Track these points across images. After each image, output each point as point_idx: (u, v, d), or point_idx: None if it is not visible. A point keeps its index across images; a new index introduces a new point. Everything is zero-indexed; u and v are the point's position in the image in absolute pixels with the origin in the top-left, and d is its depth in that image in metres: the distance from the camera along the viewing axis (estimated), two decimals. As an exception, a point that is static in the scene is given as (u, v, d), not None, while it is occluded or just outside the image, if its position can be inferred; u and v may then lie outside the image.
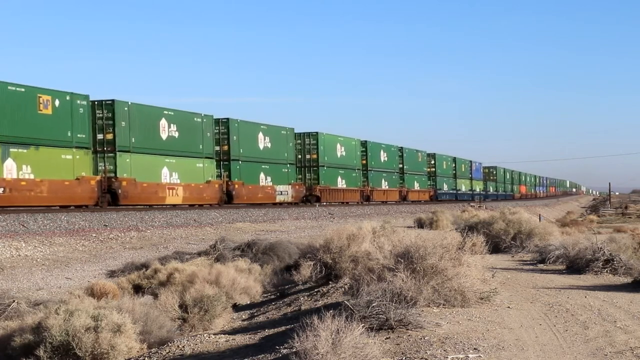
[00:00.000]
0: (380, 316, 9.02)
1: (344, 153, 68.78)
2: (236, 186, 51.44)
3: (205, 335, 11.78)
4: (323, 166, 64.20)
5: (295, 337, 7.60)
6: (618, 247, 16.19)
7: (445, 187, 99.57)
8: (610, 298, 11.81)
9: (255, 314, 14.90)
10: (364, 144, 74.23)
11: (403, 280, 10.02)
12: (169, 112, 45.99)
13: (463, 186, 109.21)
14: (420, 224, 41.53)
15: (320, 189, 63.48)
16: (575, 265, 16.02)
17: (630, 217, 62.79)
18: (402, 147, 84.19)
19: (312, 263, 14.61)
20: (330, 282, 14.33)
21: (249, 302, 16.81)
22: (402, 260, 10.71)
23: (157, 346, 11.87)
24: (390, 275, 10.36)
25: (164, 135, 45.01)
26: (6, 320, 14.09)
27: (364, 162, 73.64)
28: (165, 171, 44.72)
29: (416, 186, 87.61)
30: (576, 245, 16.77)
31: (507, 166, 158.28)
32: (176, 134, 45.82)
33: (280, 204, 56.40)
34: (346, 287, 12.92)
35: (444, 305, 10.37)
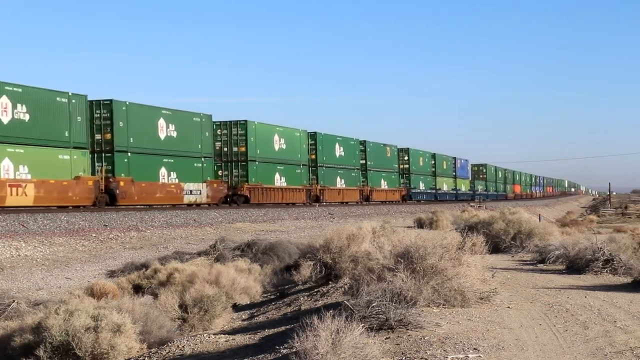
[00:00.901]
0: (380, 316, 9.01)
1: (283, 146, 59.35)
2: (121, 183, 41.93)
3: (205, 335, 11.78)
4: (254, 161, 54.67)
5: (295, 337, 7.60)
6: (618, 247, 16.19)
7: (422, 186, 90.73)
8: (610, 298, 11.81)
9: (255, 314, 14.90)
10: (312, 135, 65.05)
11: (403, 280, 10.02)
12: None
13: (445, 185, 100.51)
14: (420, 224, 41.54)
15: (249, 187, 53.76)
16: (575, 265, 16.02)
17: (630, 217, 62.81)
18: (364, 141, 74.68)
19: (312, 263, 14.61)
20: (330, 282, 14.33)
21: (248, 302, 16.81)
22: (402, 260, 10.71)
23: (157, 346, 11.87)
24: (390, 275, 10.36)
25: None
26: (6, 320, 14.09)
27: (313, 156, 64.55)
28: (6, 163, 35.25)
29: (383, 185, 78.18)
30: (576, 245, 16.76)
31: (507, 166, 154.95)
32: (26, 117, 36.47)
33: (190, 205, 47.43)
34: (346, 287, 12.92)
35: (443, 305, 10.37)
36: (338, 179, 68.27)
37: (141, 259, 24.92)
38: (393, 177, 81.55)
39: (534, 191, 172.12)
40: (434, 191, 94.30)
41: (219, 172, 53.28)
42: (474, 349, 8.08)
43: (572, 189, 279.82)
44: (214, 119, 52.22)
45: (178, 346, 11.28)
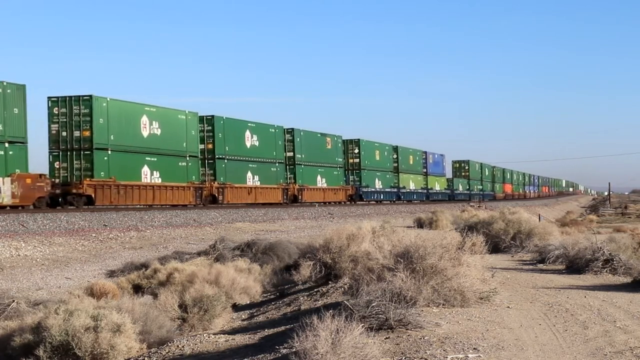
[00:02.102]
0: (380, 316, 9.01)
1: (157, 131, 46.07)
2: None
3: (204, 335, 11.78)
4: (104, 149, 41.84)
5: (295, 337, 7.60)
6: (618, 247, 16.19)
7: (379, 184, 77.57)
8: (609, 298, 11.81)
9: (255, 313, 14.90)
10: (209, 120, 50.56)
11: (403, 280, 10.01)
12: None
13: (412, 183, 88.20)
14: (420, 224, 41.55)
15: (94, 184, 40.85)
16: (575, 265, 16.02)
17: (630, 217, 62.81)
18: (292, 129, 61.42)
19: (312, 263, 14.61)
20: (329, 282, 14.33)
21: (248, 302, 16.81)
22: (402, 260, 10.71)
23: (157, 346, 11.87)
24: (389, 275, 10.36)
25: None
26: (6, 320, 14.08)
27: (210, 146, 51.08)
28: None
29: (320, 182, 65.27)
30: (576, 245, 16.77)
31: (507, 166, 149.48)
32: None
33: None
34: (346, 287, 12.92)
35: (443, 305, 10.37)
36: (249, 174, 54.86)
37: (141, 259, 24.91)
38: (335, 173, 68.53)
39: (527, 191, 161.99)
40: (395, 190, 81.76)
41: (61, 164, 41.13)
42: (474, 349, 8.08)
43: (571, 189, 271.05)
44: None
45: (178, 346, 11.28)
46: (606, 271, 15.29)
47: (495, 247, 21.67)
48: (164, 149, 46.26)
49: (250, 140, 54.64)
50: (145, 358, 11.30)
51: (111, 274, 23.26)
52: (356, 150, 74.15)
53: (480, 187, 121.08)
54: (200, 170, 50.35)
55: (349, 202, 69.66)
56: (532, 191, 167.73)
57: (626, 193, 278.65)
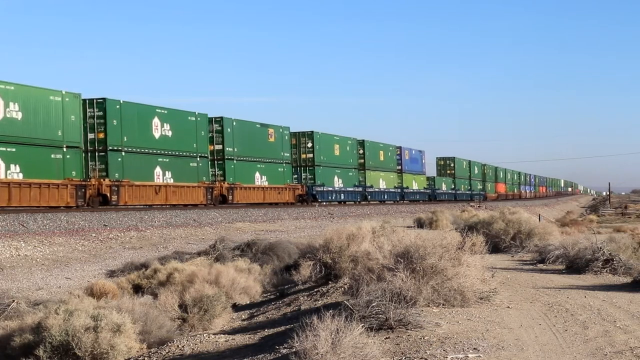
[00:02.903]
0: (380, 316, 9.02)
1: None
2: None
3: (204, 335, 11.79)
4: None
5: (295, 337, 7.60)
6: (618, 247, 16.20)
7: (339, 183, 67.54)
8: (609, 298, 11.81)
9: (255, 313, 14.90)
10: (112, 105, 41.87)
11: (403, 280, 10.02)
12: None
13: (382, 182, 77.50)
14: (420, 224, 41.56)
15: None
16: (575, 265, 16.03)
17: (630, 217, 62.84)
18: (221, 117, 51.59)
19: (312, 263, 14.62)
20: (329, 282, 14.33)
21: (248, 302, 16.81)
22: (402, 260, 10.71)
23: (157, 346, 11.87)
24: (389, 275, 10.36)
25: None
26: (6, 320, 14.09)
27: (102, 135, 41.62)
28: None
29: (260, 180, 54.75)
30: (576, 245, 16.78)
31: (506, 166, 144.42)
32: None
33: None
34: (346, 287, 12.93)
35: (443, 305, 10.37)
36: (159, 170, 44.90)
37: (141, 259, 24.92)
38: (281, 169, 58.19)
39: (523, 191, 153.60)
40: (360, 189, 71.72)
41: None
42: (474, 349, 8.08)
43: (569, 189, 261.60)
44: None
45: (178, 346, 11.28)
46: (606, 271, 15.30)
47: (495, 247, 21.68)
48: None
49: (160, 130, 45.60)
50: (145, 358, 11.31)
51: (111, 274, 23.27)
52: (309, 144, 63.68)
53: (469, 186, 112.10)
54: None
55: (299, 204, 59.24)
56: (528, 191, 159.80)
57: (623, 193, 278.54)
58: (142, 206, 42.79)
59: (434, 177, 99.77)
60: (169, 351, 11.17)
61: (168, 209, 42.81)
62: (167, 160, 45.70)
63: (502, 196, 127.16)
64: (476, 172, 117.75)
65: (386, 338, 8.61)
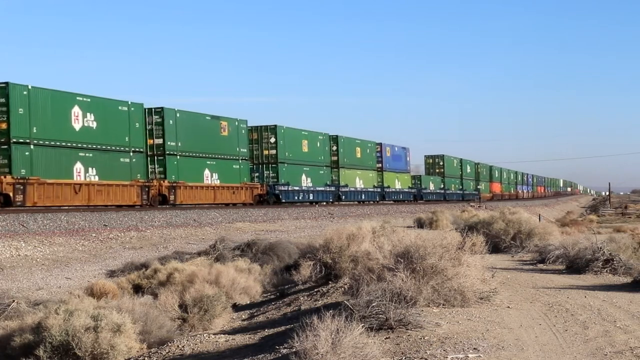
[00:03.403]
0: (380, 316, 9.02)
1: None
2: None
3: (205, 335, 11.79)
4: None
5: (295, 337, 7.60)
6: (618, 247, 16.21)
7: (306, 182, 61.57)
8: (610, 298, 11.81)
9: (255, 313, 14.91)
10: (18, 91, 35.79)
11: (403, 280, 10.02)
12: None
13: (359, 181, 71.92)
14: (420, 224, 41.57)
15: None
16: (575, 265, 16.03)
17: (630, 217, 62.85)
18: (162, 108, 45.70)
19: (312, 263, 14.63)
20: (330, 282, 14.34)
21: (248, 302, 16.82)
22: (402, 260, 10.71)
23: (157, 346, 11.88)
24: (390, 275, 10.36)
25: None
26: (6, 320, 14.10)
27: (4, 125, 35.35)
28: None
29: (210, 178, 49.06)
30: (576, 245, 16.78)
31: (506, 166, 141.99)
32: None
33: None
34: (346, 287, 12.93)
35: (443, 305, 10.37)
36: (79, 166, 39.77)
37: (141, 259, 24.93)
38: (236, 167, 52.43)
39: (520, 191, 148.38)
40: (333, 189, 66.02)
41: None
42: (474, 349, 8.08)
43: (569, 189, 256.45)
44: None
45: (178, 346, 11.29)
46: (606, 271, 15.30)
47: (495, 247, 21.69)
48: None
49: (82, 120, 39.87)
50: (146, 358, 11.31)
51: (111, 274, 23.28)
52: (272, 139, 57.48)
53: (460, 186, 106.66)
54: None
55: (261, 204, 53.73)
56: (525, 191, 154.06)
57: (621, 193, 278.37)
58: (55, 207, 37.24)
59: (420, 175, 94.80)
60: (169, 351, 11.17)
61: (168, 209, 42.82)
62: (91, 155, 40.10)
63: (497, 196, 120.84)
64: (469, 170, 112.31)
65: (386, 338, 8.62)
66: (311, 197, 62.44)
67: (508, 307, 10.86)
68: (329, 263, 14.47)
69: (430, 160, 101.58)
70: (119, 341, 11.11)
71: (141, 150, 43.78)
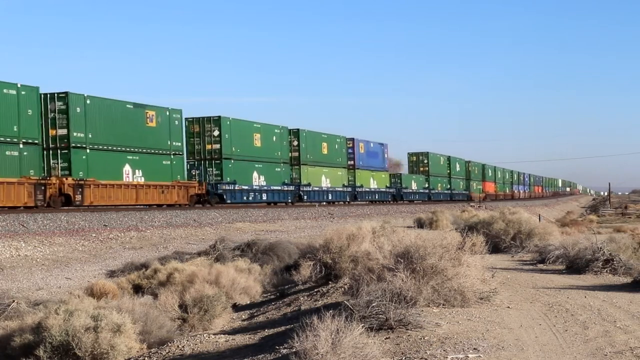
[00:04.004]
0: (380, 316, 9.02)
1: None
2: None
3: (205, 335, 11.79)
4: None
5: (295, 337, 7.60)
6: (618, 247, 16.21)
7: (259, 180, 54.46)
8: (610, 298, 11.81)
9: (255, 314, 14.91)
10: None
11: (403, 280, 10.02)
12: None
13: (326, 179, 65.06)
14: (420, 224, 41.59)
15: None
16: (575, 265, 16.04)
17: (630, 217, 62.87)
18: (66, 93, 39.07)
19: (312, 263, 14.63)
20: (330, 282, 14.34)
21: (248, 302, 16.82)
22: (402, 260, 10.71)
23: (157, 346, 11.88)
24: (390, 275, 10.36)
25: None
26: (6, 320, 14.10)
27: None
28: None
29: (131, 175, 42.50)
30: (576, 245, 16.79)
31: (506, 166, 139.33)
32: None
33: None
34: (346, 287, 12.93)
35: (443, 305, 10.37)
36: None
37: (141, 259, 24.94)
38: (166, 163, 45.47)
39: (516, 191, 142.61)
40: (293, 188, 59.27)
41: None
42: (474, 349, 8.08)
43: (568, 189, 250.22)
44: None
45: (178, 346, 11.29)
46: (606, 271, 15.30)
47: (495, 247, 21.70)
48: None
49: None
50: (146, 358, 11.31)
51: (111, 274, 23.29)
52: (216, 133, 50.56)
53: (448, 185, 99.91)
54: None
55: (198, 204, 47.76)
56: (522, 191, 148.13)
57: (619, 193, 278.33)
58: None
59: (401, 174, 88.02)
60: (169, 351, 11.17)
61: (168, 209, 42.83)
62: None
63: (491, 196, 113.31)
64: (458, 169, 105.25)
65: (386, 338, 8.62)
66: (264, 198, 55.40)
67: (508, 307, 10.86)
68: (329, 263, 14.47)
69: (414, 158, 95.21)
70: (119, 341, 11.11)
71: (36, 141, 36.57)
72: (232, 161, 51.82)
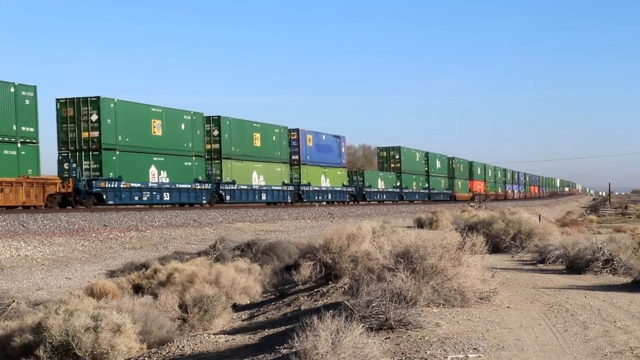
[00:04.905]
0: (380, 316, 9.02)
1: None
2: None
3: (205, 335, 11.79)
4: None
5: (295, 337, 7.60)
6: (618, 247, 16.21)
7: (159, 177, 44.51)
8: (610, 298, 11.81)
9: (255, 314, 14.91)
10: None
11: (403, 280, 10.02)
12: None
13: (259, 177, 54.76)
14: (420, 224, 41.60)
15: None
16: (575, 265, 16.03)
17: (630, 217, 62.87)
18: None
19: (312, 263, 14.63)
20: (330, 282, 14.34)
21: (248, 302, 16.82)
22: (402, 260, 10.71)
23: (157, 346, 11.88)
24: (390, 275, 10.36)
25: None
26: (6, 320, 14.10)
27: None
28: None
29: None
30: (576, 245, 16.78)
31: (506, 166, 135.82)
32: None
33: None
34: (346, 287, 12.93)
35: (443, 305, 10.37)
36: None
37: (141, 259, 24.94)
38: (11, 153, 34.99)
39: (509, 190, 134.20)
40: (209, 186, 48.86)
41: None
42: (474, 349, 8.08)
43: (566, 189, 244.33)
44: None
45: (178, 346, 11.29)
46: (606, 271, 15.30)
47: (495, 247, 21.70)
48: None
49: None
50: (146, 358, 11.31)
51: (111, 274, 23.29)
52: (94, 117, 40.44)
53: (426, 184, 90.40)
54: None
55: (73, 207, 38.26)
56: (516, 191, 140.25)
57: (619, 193, 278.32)
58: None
59: (362, 171, 78.48)
60: (169, 351, 11.17)
61: (168, 209, 42.84)
62: None
63: (480, 197, 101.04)
64: (438, 166, 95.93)
65: (386, 338, 8.61)
66: (165, 198, 45.36)
67: (508, 307, 10.86)
68: (329, 263, 14.47)
69: (384, 154, 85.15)
70: (119, 341, 11.11)
71: None
72: (117, 152, 41.75)
